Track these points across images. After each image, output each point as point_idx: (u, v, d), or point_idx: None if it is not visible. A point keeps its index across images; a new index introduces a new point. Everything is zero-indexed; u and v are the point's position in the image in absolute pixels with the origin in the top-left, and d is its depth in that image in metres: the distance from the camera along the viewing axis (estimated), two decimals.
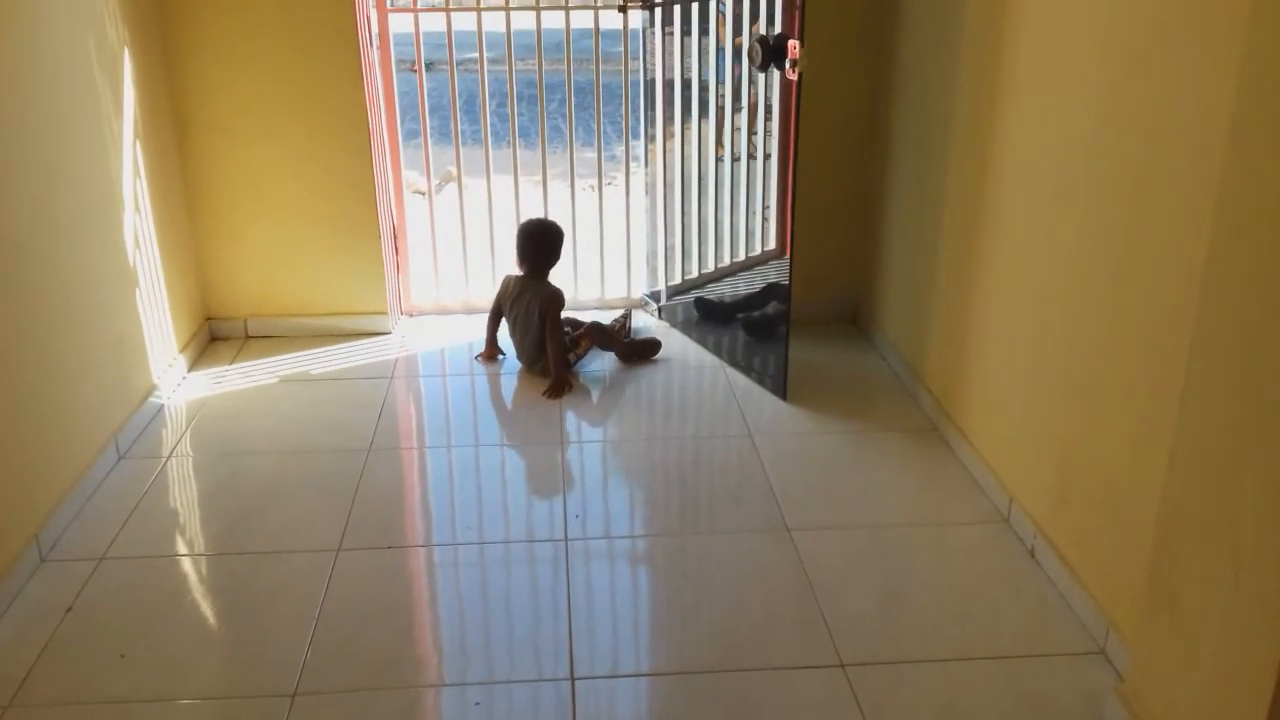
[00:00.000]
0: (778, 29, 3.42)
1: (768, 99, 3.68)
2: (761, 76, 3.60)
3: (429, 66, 4.23)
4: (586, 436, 3.28)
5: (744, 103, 3.78)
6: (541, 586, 2.55)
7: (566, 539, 2.73)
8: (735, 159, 3.87)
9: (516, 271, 3.73)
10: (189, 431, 3.27)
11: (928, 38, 3.29)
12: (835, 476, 3.03)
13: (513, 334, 3.70)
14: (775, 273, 3.87)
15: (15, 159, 2.59)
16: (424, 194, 4.85)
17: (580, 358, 3.74)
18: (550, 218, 3.84)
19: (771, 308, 3.80)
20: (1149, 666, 2.03)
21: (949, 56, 3.08)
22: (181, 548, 2.71)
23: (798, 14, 3.12)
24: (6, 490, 2.50)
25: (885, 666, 2.27)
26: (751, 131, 3.82)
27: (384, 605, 2.48)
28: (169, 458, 3.12)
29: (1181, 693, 1.91)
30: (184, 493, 2.97)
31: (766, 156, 3.81)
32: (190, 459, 3.12)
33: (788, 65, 3.14)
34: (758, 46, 3.23)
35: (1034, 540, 2.64)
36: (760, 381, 3.58)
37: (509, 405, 3.53)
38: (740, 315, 3.89)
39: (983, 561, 2.64)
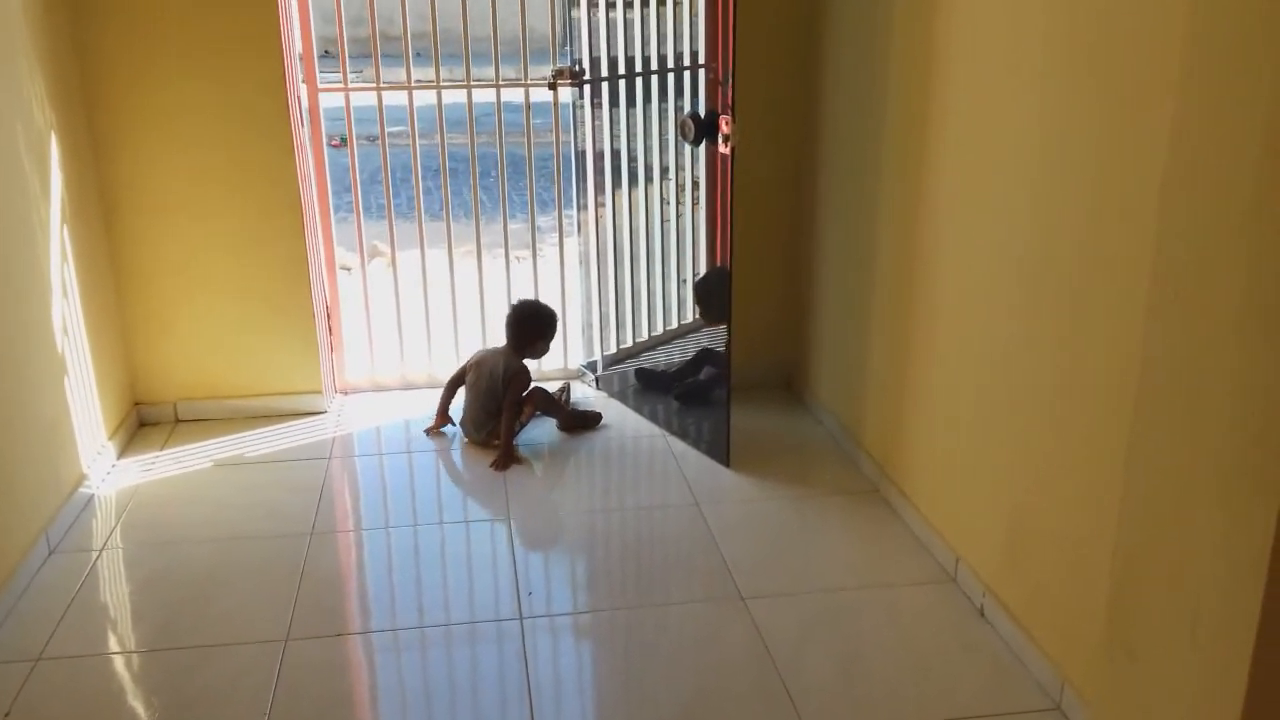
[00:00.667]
0: (702, 103, 3.52)
1: (694, 172, 3.75)
2: (687, 149, 3.67)
3: (342, 142, 4.24)
4: (532, 510, 3.26)
5: (671, 175, 3.85)
6: (500, 667, 2.52)
7: (520, 617, 2.70)
8: (664, 223, 3.94)
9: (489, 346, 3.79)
10: (121, 522, 3.17)
11: (853, 106, 3.40)
12: (783, 543, 3.05)
13: (467, 397, 3.72)
14: (707, 339, 3.91)
15: None
16: (349, 270, 4.83)
17: (523, 424, 3.74)
18: (541, 301, 3.91)
19: (704, 373, 3.84)
20: (1108, 717, 2.07)
21: (875, 122, 3.18)
22: (121, 644, 2.61)
23: (727, 90, 3.21)
24: None
25: None
26: (679, 202, 3.89)
27: (339, 697, 2.43)
28: (102, 550, 3.02)
29: None
30: (120, 586, 2.87)
31: (694, 227, 3.88)
32: (124, 550, 3.02)
33: (720, 140, 3.21)
34: (690, 122, 3.30)
35: (983, 599, 2.69)
36: (702, 448, 3.60)
37: (451, 481, 3.50)
38: (678, 384, 3.92)
39: (934, 622, 2.68)
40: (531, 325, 3.80)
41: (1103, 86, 2.13)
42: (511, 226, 4.43)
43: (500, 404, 3.63)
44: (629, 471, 3.59)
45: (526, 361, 3.80)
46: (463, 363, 3.88)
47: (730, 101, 3.17)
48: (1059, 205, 2.31)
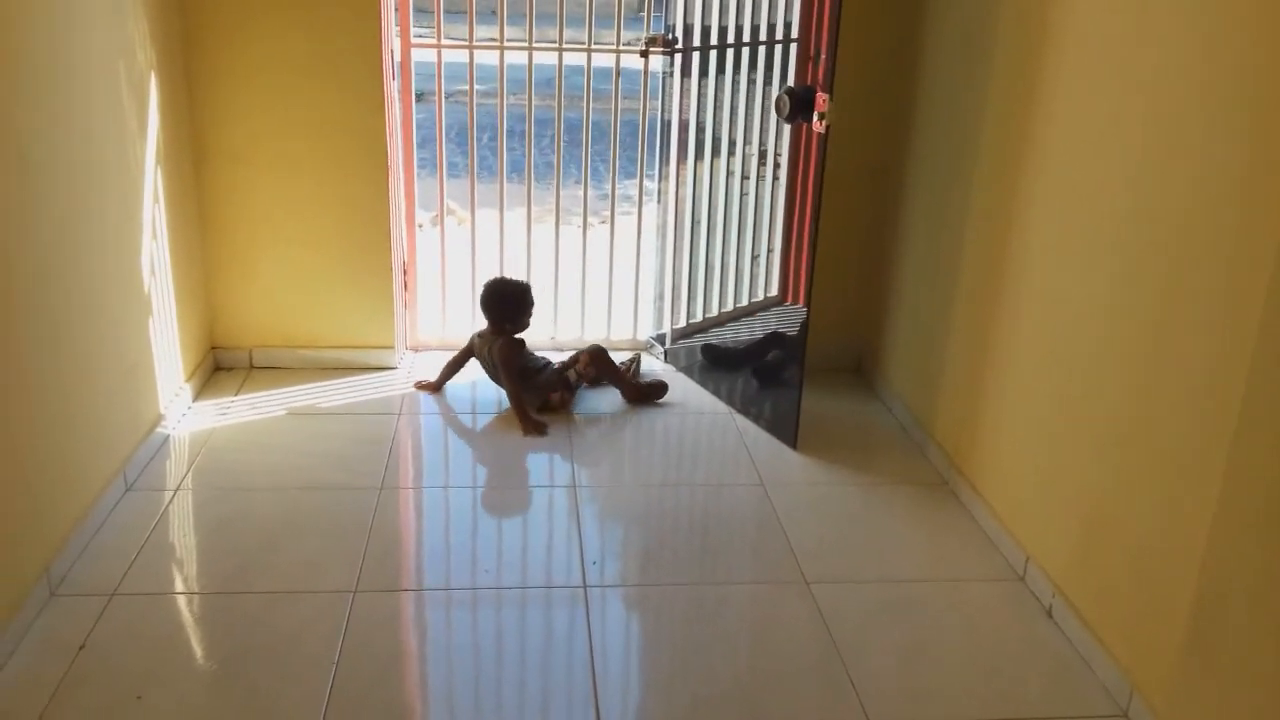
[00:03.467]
0: (792, 78, 3.47)
1: (777, 147, 3.71)
2: (772, 125, 3.63)
3: (419, 98, 4.24)
4: (597, 480, 3.27)
5: (754, 150, 3.81)
6: (561, 635, 2.53)
7: (585, 585, 2.71)
8: (743, 197, 3.89)
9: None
10: (195, 465, 3.23)
11: (951, 92, 3.34)
12: (849, 529, 3.03)
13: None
14: (776, 320, 3.88)
15: (44, 177, 2.56)
16: (422, 227, 4.83)
17: (580, 376, 3.76)
18: (514, 277, 3.84)
19: (772, 356, 3.81)
20: None
21: (973, 111, 3.12)
22: (194, 585, 2.66)
23: (823, 66, 3.16)
24: (19, 520, 2.45)
25: None
26: (759, 178, 3.85)
27: (406, 651, 2.46)
28: (176, 491, 3.08)
29: None
30: (194, 528, 2.92)
31: (771, 204, 3.84)
32: (197, 493, 3.08)
33: (815, 118, 3.17)
34: (785, 98, 3.26)
35: (1052, 599, 2.65)
36: (769, 429, 3.59)
37: (516, 446, 3.50)
38: (749, 364, 3.90)
39: (1000, 619, 2.65)
40: (507, 304, 3.72)
41: (1211, 95, 2.07)
42: (591, 193, 4.42)
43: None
44: (695, 447, 3.58)
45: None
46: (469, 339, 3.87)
47: (829, 79, 3.12)
48: (1156, 212, 2.25)
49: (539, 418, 3.59)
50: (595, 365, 3.77)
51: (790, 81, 3.48)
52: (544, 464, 3.38)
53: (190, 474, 3.17)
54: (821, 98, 3.16)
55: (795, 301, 3.79)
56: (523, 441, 3.50)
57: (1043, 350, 2.75)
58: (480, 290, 3.77)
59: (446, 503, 3.13)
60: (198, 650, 2.42)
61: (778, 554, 2.88)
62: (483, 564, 2.82)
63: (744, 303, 4.07)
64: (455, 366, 3.86)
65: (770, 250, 3.95)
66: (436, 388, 3.84)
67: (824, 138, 3.18)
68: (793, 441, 3.47)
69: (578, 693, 2.33)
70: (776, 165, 3.76)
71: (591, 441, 3.52)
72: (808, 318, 3.37)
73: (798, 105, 3.24)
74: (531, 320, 3.79)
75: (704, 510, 3.13)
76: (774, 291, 3.98)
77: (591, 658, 2.43)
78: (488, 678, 2.39)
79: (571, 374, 3.74)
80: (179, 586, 2.65)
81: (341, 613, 2.55)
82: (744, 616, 2.63)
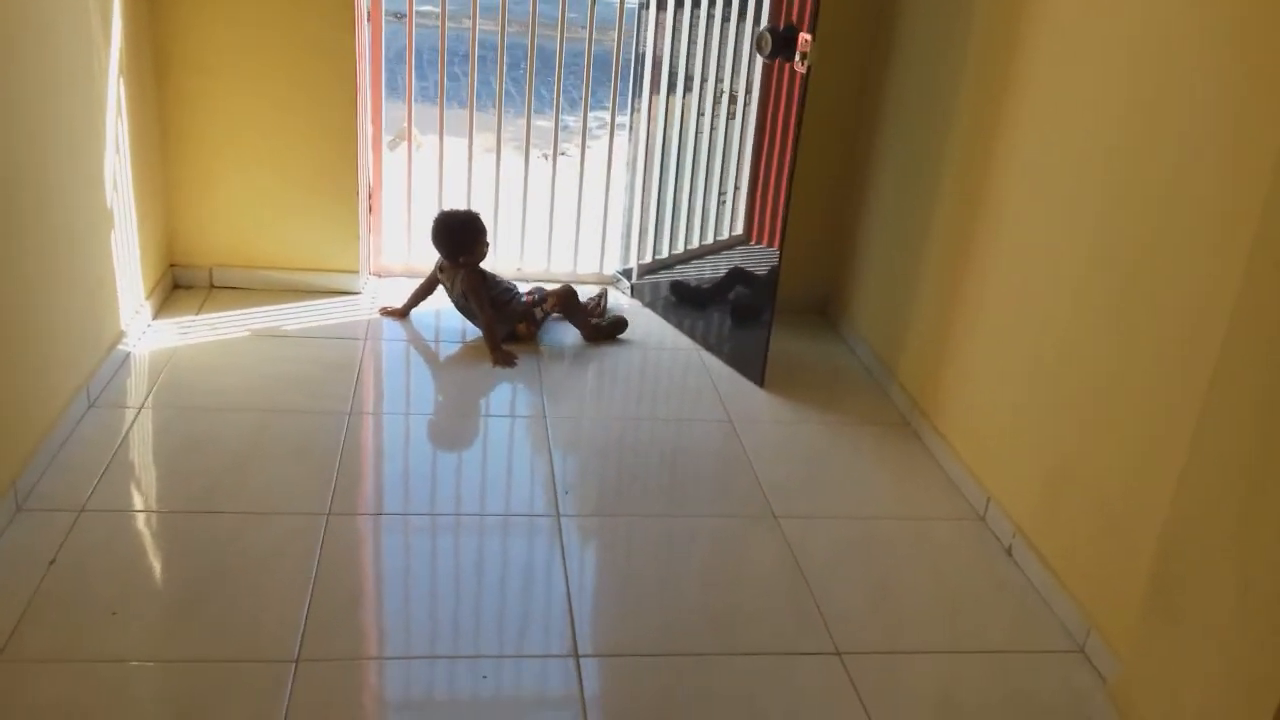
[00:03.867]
0: (765, 15, 3.44)
1: (748, 85, 3.68)
2: (745, 61, 3.60)
3: (399, 19, 4.14)
4: (565, 412, 3.27)
5: (725, 86, 3.77)
6: (538, 562, 2.56)
7: (558, 514, 2.73)
8: (712, 134, 3.87)
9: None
10: (158, 383, 3.17)
11: (930, 29, 3.34)
12: (816, 467, 3.08)
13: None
14: (742, 258, 3.89)
15: (10, 86, 2.47)
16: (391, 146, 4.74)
17: (546, 314, 3.75)
18: (461, 208, 3.77)
19: (735, 294, 3.83)
20: (1143, 674, 2.12)
21: (956, 51, 3.13)
22: (163, 504, 2.64)
23: (808, 4, 3.13)
24: None
25: (881, 656, 2.34)
26: (729, 115, 3.83)
27: (383, 574, 2.47)
28: (140, 409, 3.03)
29: (1179, 703, 2.01)
30: (161, 446, 2.89)
31: (740, 140, 3.82)
32: (164, 412, 3.03)
33: (797, 58, 3.16)
34: (767, 36, 3.24)
35: (1012, 539, 2.73)
36: (736, 367, 3.62)
37: (485, 375, 3.49)
38: (715, 301, 3.91)
39: (963, 558, 2.72)
40: (456, 236, 3.66)
41: (1200, 40, 2.10)
42: (561, 123, 4.37)
43: (475, 314, 3.64)
44: (663, 383, 3.60)
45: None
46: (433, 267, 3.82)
47: (813, 19, 3.10)
48: (1140, 161, 2.29)
49: (508, 349, 3.58)
50: (563, 308, 3.77)
51: (765, 17, 3.46)
52: (512, 395, 3.39)
53: (153, 392, 3.12)
54: (804, 37, 3.15)
55: (761, 241, 3.80)
56: (490, 371, 3.50)
57: (1015, 299, 2.80)
58: (436, 225, 3.70)
59: (418, 430, 3.13)
60: (171, 569, 2.40)
61: (746, 489, 2.93)
62: (455, 491, 2.83)
63: (709, 240, 4.07)
64: (420, 295, 3.83)
65: (736, 189, 3.95)
66: (402, 314, 3.80)
67: (805, 78, 3.17)
68: (760, 380, 3.51)
69: (555, 618, 2.36)
70: (747, 104, 3.74)
71: (559, 374, 3.52)
72: (780, 258, 3.39)
73: (779, 44, 3.23)
74: (488, 248, 3.75)
75: (673, 445, 3.16)
76: (739, 230, 3.99)
77: (567, 585, 2.46)
78: (466, 602, 2.41)
79: (537, 310, 3.73)
80: (148, 504, 2.62)
81: (315, 536, 2.54)
82: (714, 549, 2.67)
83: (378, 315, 3.79)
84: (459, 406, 3.30)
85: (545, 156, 5.69)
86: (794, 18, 3.25)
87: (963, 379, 3.07)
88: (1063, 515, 2.55)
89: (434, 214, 3.73)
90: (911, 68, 3.49)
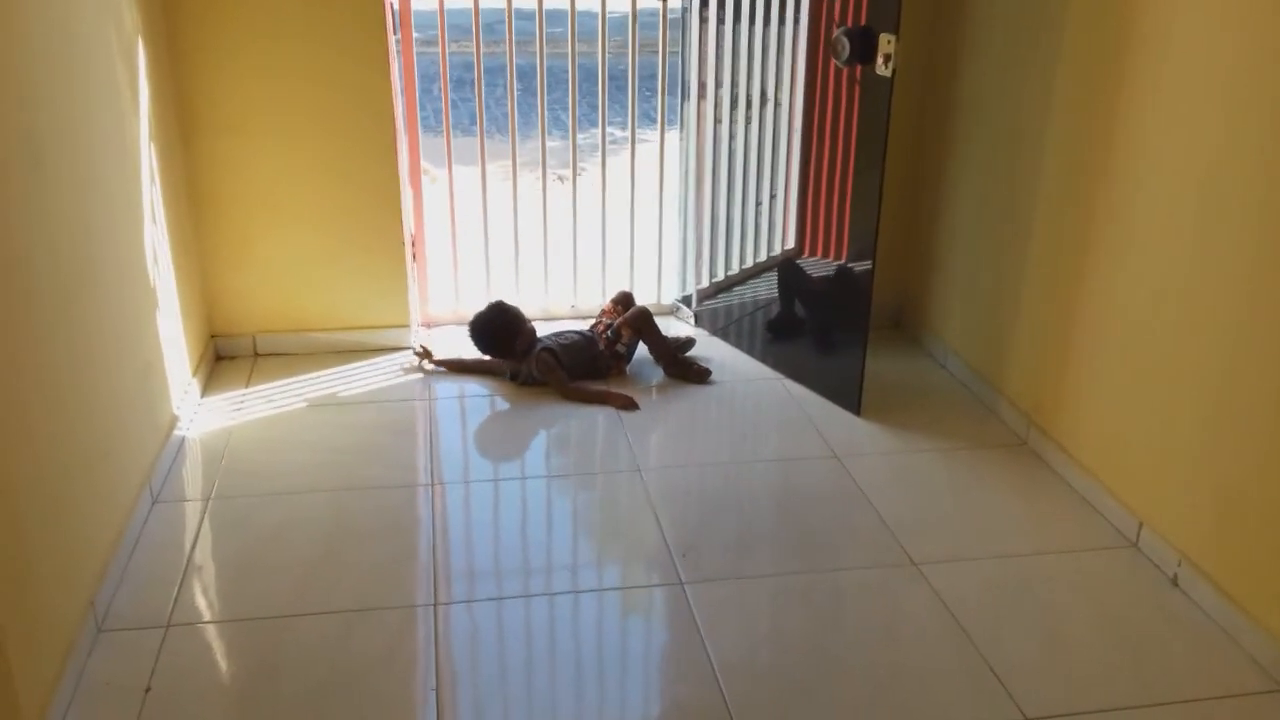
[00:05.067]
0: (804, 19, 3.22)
1: (792, 90, 3.45)
2: (787, 65, 3.38)
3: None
4: (661, 460, 3.04)
5: (771, 93, 3.55)
6: (674, 638, 2.33)
7: (681, 582, 2.50)
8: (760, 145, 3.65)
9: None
10: (222, 468, 2.93)
11: (1009, 16, 3.13)
12: (939, 501, 2.86)
13: None
14: (782, 274, 3.66)
15: (53, 171, 2.24)
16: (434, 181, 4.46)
17: (629, 347, 3.55)
18: (484, 308, 3.57)
19: (802, 312, 3.60)
20: None
21: (1046, 34, 2.90)
22: (255, 609, 2.38)
23: (890, 2, 2.91)
24: (60, 552, 2.15)
25: (1071, 719, 2.11)
26: (775, 124, 3.60)
27: (505, 665, 2.23)
28: (209, 500, 2.79)
29: None
30: (237, 543, 2.63)
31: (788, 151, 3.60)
32: (234, 502, 2.79)
33: (880, 59, 2.94)
34: (844, 39, 3.02)
35: (1177, 568, 2.51)
36: (827, 395, 3.39)
37: (560, 428, 3.26)
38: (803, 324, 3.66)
39: (1126, 592, 2.50)
40: (501, 335, 3.48)
41: None
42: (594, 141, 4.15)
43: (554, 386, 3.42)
44: (754, 419, 3.36)
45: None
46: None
47: (895, 17, 2.88)
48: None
49: (616, 390, 3.38)
50: (640, 332, 3.55)
51: (804, 21, 3.24)
52: (597, 447, 3.15)
53: (218, 481, 2.88)
54: (886, 38, 2.93)
55: (815, 254, 3.57)
56: (566, 422, 3.27)
57: (1151, 298, 2.57)
58: (473, 331, 3.53)
59: (505, 497, 2.89)
60: (279, 686, 2.16)
61: (874, 533, 2.70)
62: (564, 564, 2.60)
63: (762, 258, 3.83)
64: (475, 370, 3.57)
65: (773, 196, 3.70)
66: (451, 368, 3.55)
67: (889, 82, 2.95)
68: (856, 407, 3.29)
69: (707, 701, 2.12)
70: (791, 111, 3.51)
71: (643, 417, 3.29)
72: (872, 274, 3.17)
73: (857, 48, 3.00)
74: (530, 324, 3.53)
75: (781, 488, 2.93)
76: (790, 245, 3.74)
77: (711, 662, 2.23)
78: (611, 692, 2.18)
79: (620, 346, 3.52)
80: (238, 612, 2.37)
81: (426, 629, 2.31)
82: (860, 606, 2.44)
83: (421, 363, 3.54)
84: (542, 466, 3.06)
85: (561, 179, 5.48)
86: (827, 18, 3.03)
87: (1090, 394, 2.84)
88: (1236, 533, 2.33)
89: (471, 322, 3.55)
90: (987, 61, 3.27)
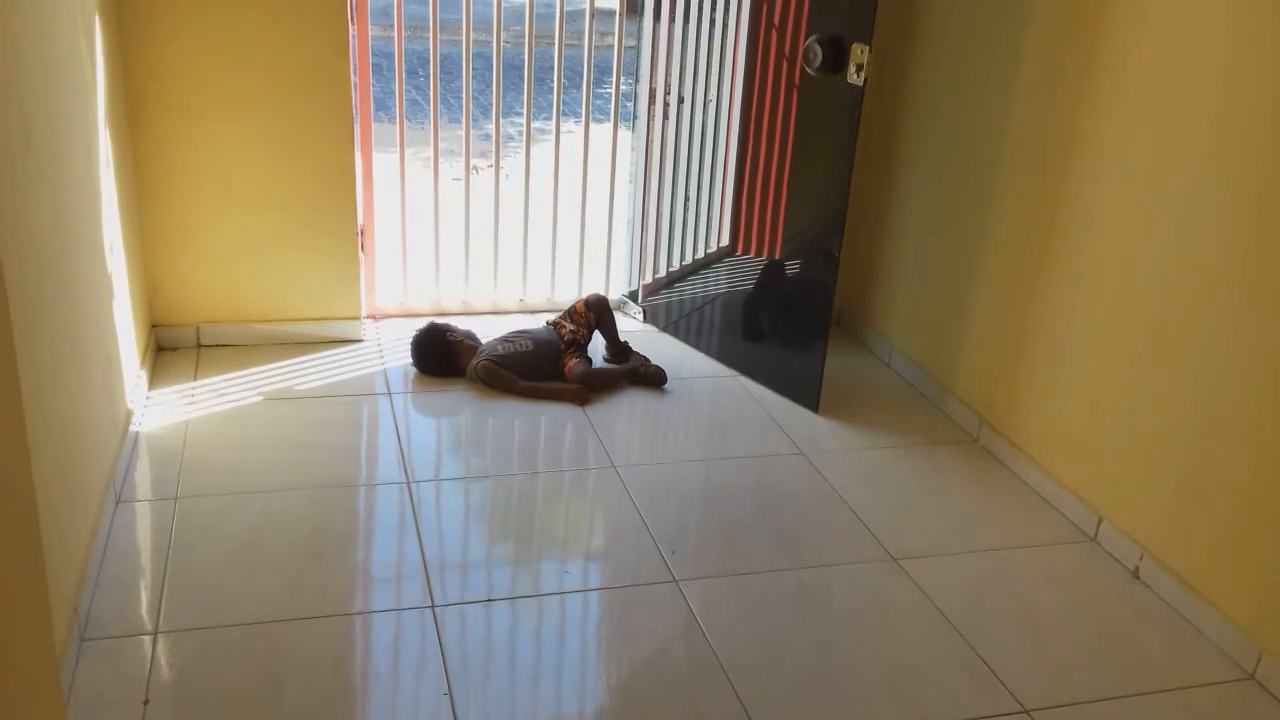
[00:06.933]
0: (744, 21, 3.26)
1: (732, 91, 3.50)
2: (728, 67, 3.43)
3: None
4: (634, 458, 3.05)
5: (713, 92, 3.58)
6: (675, 637, 2.34)
7: (675, 580, 2.52)
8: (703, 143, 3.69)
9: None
10: (184, 466, 2.81)
11: (966, 14, 3.22)
12: (907, 496, 2.95)
13: None
14: (727, 270, 3.71)
15: (35, 149, 2.11)
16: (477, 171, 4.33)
17: (588, 336, 3.60)
18: (420, 329, 3.49)
19: (751, 309, 3.65)
20: None
21: (1007, 33, 2.99)
22: (250, 614, 2.30)
23: (861, 12, 2.97)
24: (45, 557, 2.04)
25: (1068, 710, 2.21)
26: (717, 124, 3.63)
27: (515, 668, 2.22)
28: (177, 500, 2.67)
29: None
30: (216, 545, 2.53)
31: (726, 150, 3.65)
32: (205, 501, 2.68)
33: (852, 69, 3.00)
34: (816, 48, 3.07)
35: (1139, 561, 2.65)
36: (785, 393, 3.45)
37: (532, 425, 3.23)
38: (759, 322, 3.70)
39: (1095, 585, 2.63)
40: (441, 353, 3.43)
41: None
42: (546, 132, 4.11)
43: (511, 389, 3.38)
44: (718, 417, 3.37)
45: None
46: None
47: (868, 28, 2.95)
48: (1259, 133, 2.22)
49: (569, 386, 3.37)
50: (597, 318, 3.59)
51: (745, 23, 3.30)
52: (569, 444, 3.14)
53: (182, 479, 2.76)
54: (859, 47, 2.99)
55: (748, 252, 3.63)
56: (538, 419, 3.24)
57: (1115, 298, 2.69)
58: (414, 355, 3.46)
59: (486, 495, 2.85)
60: (286, 694, 2.09)
61: (852, 529, 2.77)
62: (555, 563, 2.58)
63: (700, 255, 3.87)
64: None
65: (693, 198, 3.74)
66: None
67: (860, 90, 3.02)
68: (814, 405, 3.36)
69: (721, 700, 2.15)
70: (730, 111, 3.54)
71: (608, 414, 3.29)
72: (836, 269, 3.23)
73: (829, 57, 3.06)
74: (467, 340, 3.46)
75: (755, 485, 2.97)
76: (725, 241, 3.78)
77: (719, 661, 2.26)
78: (625, 697, 2.18)
79: (579, 333, 3.52)
80: (231, 617, 2.28)
81: (429, 631, 2.27)
82: (852, 602, 2.50)
83: (391, 365, 3.47)
84: (518, 463, 3.02)
85: (477, 171, 5.42)
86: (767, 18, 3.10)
87: (1047, 390, 2.96)
88: (1199, 526, 2.48)
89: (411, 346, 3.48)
90: (942, 53, 3.34)
